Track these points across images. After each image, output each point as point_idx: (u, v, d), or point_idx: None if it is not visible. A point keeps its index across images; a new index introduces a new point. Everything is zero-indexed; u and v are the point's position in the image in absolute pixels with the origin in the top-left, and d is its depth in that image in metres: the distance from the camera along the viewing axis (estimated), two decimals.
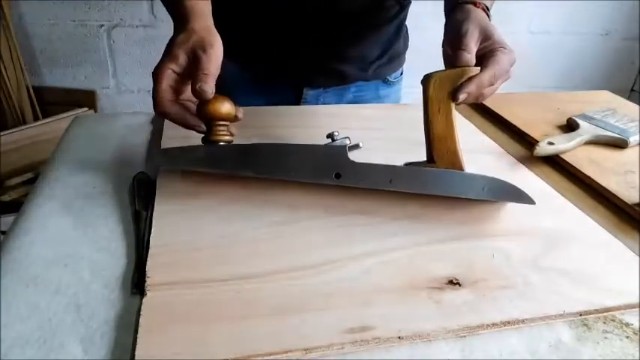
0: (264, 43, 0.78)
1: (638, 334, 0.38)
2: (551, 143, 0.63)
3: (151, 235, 0.44)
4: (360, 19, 0.76)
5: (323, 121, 0.71)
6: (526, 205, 0.49)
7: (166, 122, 0.64)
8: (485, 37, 0.52)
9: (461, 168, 0.50)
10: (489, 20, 0.55)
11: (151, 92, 0.50)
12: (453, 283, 0.41)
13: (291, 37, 0.76)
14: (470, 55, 0.50)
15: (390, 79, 0.87)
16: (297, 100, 0.83)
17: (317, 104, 0.83)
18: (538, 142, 0.64)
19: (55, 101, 1.82)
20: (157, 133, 0.63)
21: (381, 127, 0.70)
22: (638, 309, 0.40)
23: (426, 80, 0.49)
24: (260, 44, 0.79)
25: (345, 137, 0.50)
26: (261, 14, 0.75)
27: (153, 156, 0.52)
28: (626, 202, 0.54)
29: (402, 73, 0.90)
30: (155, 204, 0.49)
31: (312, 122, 0.71)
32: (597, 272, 0.44)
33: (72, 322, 0.36)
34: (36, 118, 1.77)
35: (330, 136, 0.50)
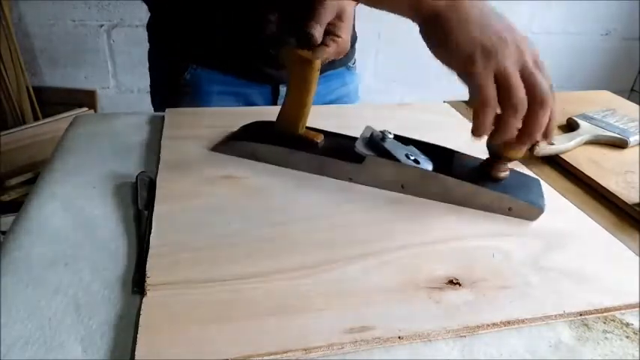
0: (234, 45, 0.79)
1: (638, 334, 0.38)
2: (551, 143, 0.63)
3: (151, 234, 0.44)
4: None
5: (320, 122, 0.71)
6: None
7: (166, 122, 0.64)
8: None
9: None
10: None
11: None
12: (453, 283, 0.41)
13: (255, 35, 0.76)
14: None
15: (350, 65, 0.90)
16: (274, 96, 0.83)
17: None
18: (538, 142, 0.64)
19: (55, 101, 1.82)
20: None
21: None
22: (638, 309, 0.40)
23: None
24: (231, 46, 0.79)
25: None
26: (229, 17, 0.76)
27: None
28: (626, 202, 0.54)
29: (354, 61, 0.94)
30: (155, 204, 0.49)
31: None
32: (597, 272, 0.44)
33: (72, 322, 0.36)
34: (36, 118, 1.77)
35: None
